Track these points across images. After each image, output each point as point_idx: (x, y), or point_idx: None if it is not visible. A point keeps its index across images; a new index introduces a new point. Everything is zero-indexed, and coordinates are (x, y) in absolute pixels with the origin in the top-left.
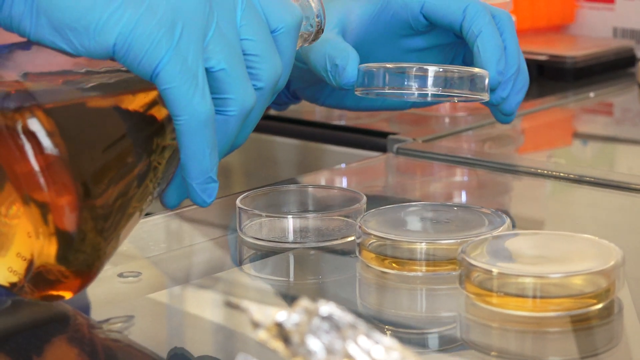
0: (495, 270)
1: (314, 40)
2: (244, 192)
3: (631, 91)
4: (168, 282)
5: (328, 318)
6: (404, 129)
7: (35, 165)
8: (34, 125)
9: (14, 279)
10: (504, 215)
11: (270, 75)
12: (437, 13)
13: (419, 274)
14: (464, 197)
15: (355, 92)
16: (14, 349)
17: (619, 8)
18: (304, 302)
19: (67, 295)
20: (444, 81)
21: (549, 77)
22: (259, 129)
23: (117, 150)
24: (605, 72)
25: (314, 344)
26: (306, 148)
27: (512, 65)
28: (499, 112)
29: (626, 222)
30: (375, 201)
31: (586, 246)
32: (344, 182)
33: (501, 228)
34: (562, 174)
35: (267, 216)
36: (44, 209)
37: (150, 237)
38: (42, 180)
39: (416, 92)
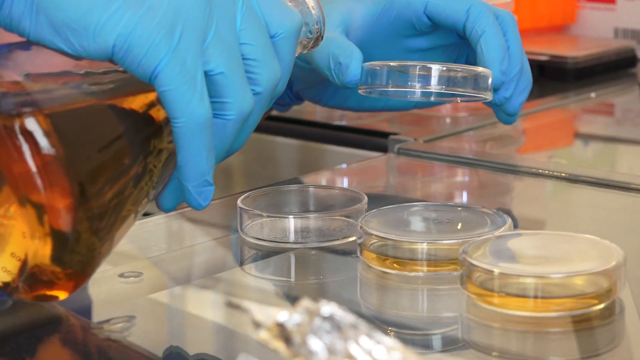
0: (496, 271)
1: (312, 47)
2: (245, 192)
3: (632, 91)
4: (169, 282)
5: (329, 318)
6: (405, 129)
7: (32, 165)
8: (32, 125)
9: (8, 278)
10: (505, 216)
11: (269, 80)
12: (440, 13)
13: (420, 274)
14: (465, 198)
15: (359, 91)
16: (14, 349)
17: (620, 8)
18: (305, 303)
19: (61, 295)
20: (447, 80)
21: (550, 77)
22: (260, 129)
23: (113, 152)
24: (606, 73)
25: (315, 344)
26: (307, 148)
27: (515, 65)
28: (502, 113)
29: (627, 222)
30: (377, 201)
31: (587, 246)
32: (345, 182)
33: (502, 228)
34: (563, 174)
35: (268, 216)
36: (40, 209)
37: (151, 237)
38: (38, 180)
39: (419, 91)
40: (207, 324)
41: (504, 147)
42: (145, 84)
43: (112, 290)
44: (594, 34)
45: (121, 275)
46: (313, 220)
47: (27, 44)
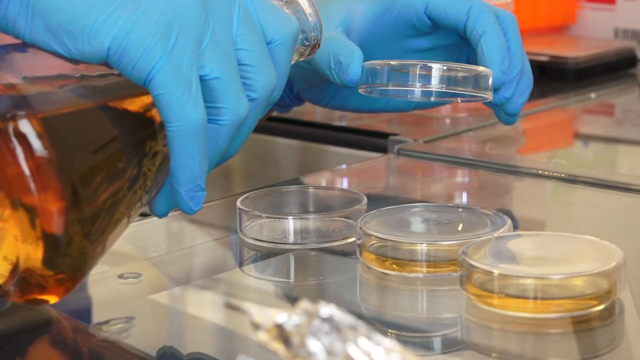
0: (496, 272)
1: (309, 55)
2: (245, 193)
3: (632, 92)
4: (168, 283)
5: (328, 320)
6: (404, 130)
7: (25, 168)
8: (25, 128)
9: None
10: (505, 217)
11: (265, 87)
12: (441, 13)
13: (420, 275)
14: (464, 198)
15: (359, 90)
16: (14, 350)
17: (620, 9)
18: (304, 304)
19: (52, 299)
20: (447, 79)
21: (550, 77)
22: (259, 129)
23: (107, 155)
24: (606, 73)
25: (314, 345)
26: (307, 149)
27: (515, 65)
28: (503, 113)
29: (627, 223)
30: (376, 202)
31: (587, 247)
32: (344, 183)
33: (502, 229)
34: (563, 175)
35: (267, 217)
36: (32, 212)
37: (150, 238)
38: (31, 182)
39: (420, 90)
40: (206, 324)
41: (504, 147)
42: (140, 88)
43: (112, 291)
44: (594, 34)
45: (120, 276)
46: (312, 221)
47: (24, 46)
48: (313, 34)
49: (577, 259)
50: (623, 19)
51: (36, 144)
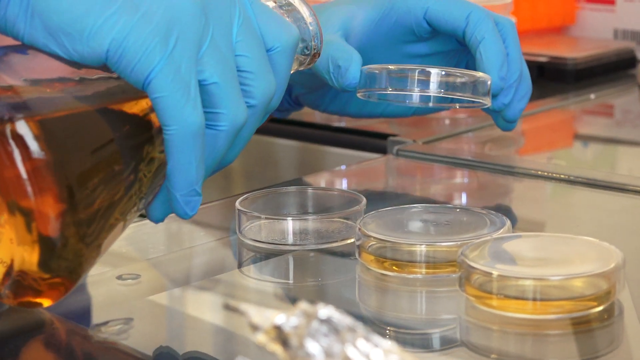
0: (495, 273)
1: (309, 64)
2: (244, 194)
3: (632, 92)
4: (167, 284)
5: (327, 321)
6: (404, 131)
7: (22, 170)
8: (23, 130)
9: None
10: (504, 217)
11: (264, 93)
12: (440, 19)
13: (419, 276)
14: (464, 199)
15: (358, 95)
16: (12, 350)
17: (619, 9)
18: (302, 305)
19: (47, 302)
20: (446, 84)
21: (550, 78)
22: (259, 130)
23: (104, 158)
24: (605, 74)
25: (313, 347)
26: (306, 150)
27: (514, 71)
28: (501, 119)
29: (627, 224)
30: (375, 203)
31: (586, 248)
32: (343, 184)
33: (501, 230)
34: (562, 176)
35: (266, 218)
36: (29, 215)
37: (149, 239)
38: (28, 184)
39: (418, 95)
40: (205, 326)
41: (503, 148)
42: (139, 92)
43: (110, 292)
44: (593, 35)
45: (119, 277)
46: (311, 222)
47: (24, 48)
48: (313, 43)
49: (577, 260)
50: (622, 19)
51: (33, 146)
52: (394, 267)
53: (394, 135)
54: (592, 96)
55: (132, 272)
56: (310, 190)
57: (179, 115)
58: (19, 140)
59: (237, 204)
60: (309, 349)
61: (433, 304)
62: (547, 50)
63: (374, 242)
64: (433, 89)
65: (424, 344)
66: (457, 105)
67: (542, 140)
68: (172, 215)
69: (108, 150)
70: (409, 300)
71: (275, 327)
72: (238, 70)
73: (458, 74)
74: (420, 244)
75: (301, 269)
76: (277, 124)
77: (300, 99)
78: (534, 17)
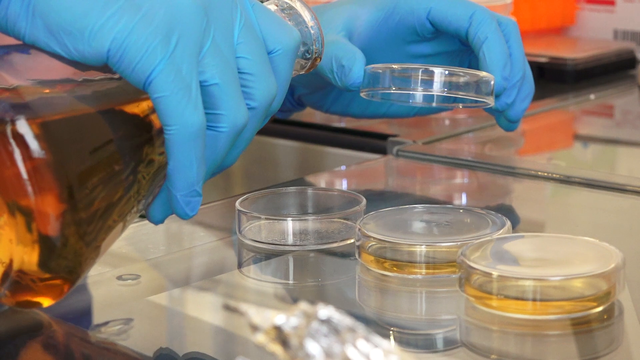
0: (495, 273)
1: (310, 68)
2: (244, 194)
3: (632, 93)
4: (167, 284)
5: (327, 321)
6: (404, 131)
7: (22, 170)
8: (24, 130)
9: None
10: (504, 218)
11: (265, 96)
12: (443, 19)
13: (419, 276)
14: (464, 200)
15: (361, 94)
16: (12, 351)
17: (619, 10)
18: (302, 305)
19: (46, 302)
20: (449, 83)
21: (550, 79)
22: (259, 131)
23: (104, 158)
24: (605, 74)
25: (313, 347)
26: (306, 150)
27: (517, 71)
28: (504, 119)
29: (626, 224)
30: (375, 203)
31: (586, 249)
32: (343, 184)
33: (501, 230)
34: (562, 176)
35: (266, 218)
36: (29, 214)
37: (149, 239)
38: (28, 184)
39: (421, 94)
40: (204, 326)
41: (503, 149)
42: (140, 92)
43: (110, 292)
44: (593, 35)
45: (119, 278)
46: (311, 223)
47: (26, 48)
48: (314, 47)
49: (576, 260)
50: (622, 20)
51: (34, 145)
52: (394, 268)
53: (394, 136)
54: (592, 97)
55: (132, 272)
56: (310, 191)
57: (179, 115)
58: (20, 139)
59: (237, 204)
60: (309, 350)
61: (433, 305)
62: (546, 50)
63: (373, 243)
64: (436, 89)
65: (424, 345)
66: (461, 105)
67: (542, 141)
68: (172, 215)
69: (108, 151)
70: (408, 300)
71: (275, 327)
72: (239, 72)
73: (461, 74)
74: (420, 245)
75: (301, 270)
76: (277, 124)
77: (303, 99)
78: (534, 18)
